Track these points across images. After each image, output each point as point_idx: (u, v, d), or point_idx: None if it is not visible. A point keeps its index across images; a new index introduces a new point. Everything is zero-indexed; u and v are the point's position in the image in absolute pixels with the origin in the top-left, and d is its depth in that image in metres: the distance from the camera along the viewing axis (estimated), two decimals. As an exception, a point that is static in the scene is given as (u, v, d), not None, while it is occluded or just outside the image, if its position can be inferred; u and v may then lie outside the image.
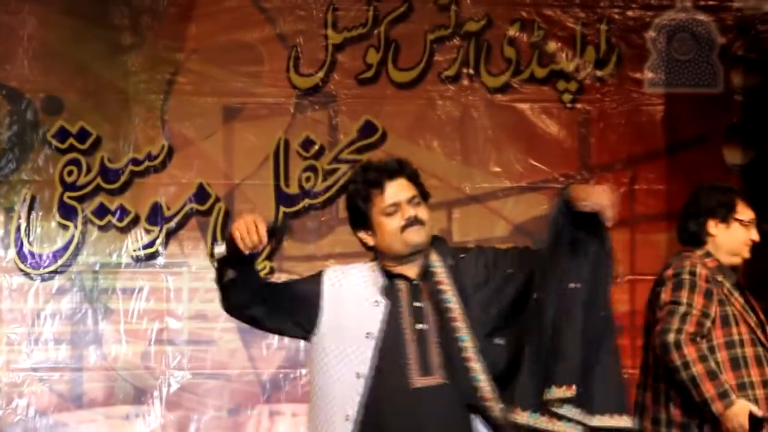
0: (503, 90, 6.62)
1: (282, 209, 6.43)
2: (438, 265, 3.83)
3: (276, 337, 6.32)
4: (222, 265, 3.71)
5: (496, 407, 3.71)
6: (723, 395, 4.59)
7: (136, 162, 6.37)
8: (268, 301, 3.80)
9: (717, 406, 4.59)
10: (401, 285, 3.81)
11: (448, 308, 3.77)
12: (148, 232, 6.35)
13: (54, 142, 6.32)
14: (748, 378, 4.76)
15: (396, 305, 3.79)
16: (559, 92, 6.64)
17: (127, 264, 6.34)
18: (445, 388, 3.73)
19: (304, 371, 6.33)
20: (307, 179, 6.47)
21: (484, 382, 3.72)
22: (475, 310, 3.77)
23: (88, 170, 6.33)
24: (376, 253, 3.87)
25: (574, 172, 6.62)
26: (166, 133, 6.41)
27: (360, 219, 3.85)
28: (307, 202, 6.46)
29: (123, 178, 6.35)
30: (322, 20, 6.52)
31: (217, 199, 6.41)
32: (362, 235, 3.86)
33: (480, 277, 3.81)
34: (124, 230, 6.34)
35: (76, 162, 6.33)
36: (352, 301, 3.81)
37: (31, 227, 6.28)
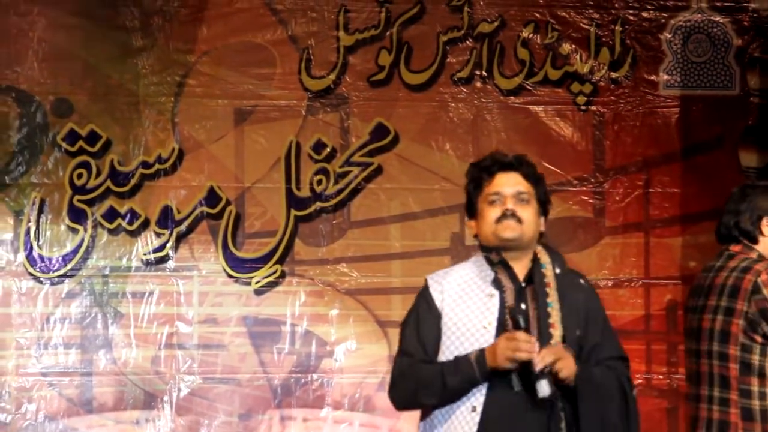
0: (516, 92, 6.58)
1: (293, 212, 6.40)
2: (547, 267, 3.83)
3: (287, 341, 6.30)
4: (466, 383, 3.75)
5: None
6: None
7: (146, 165, 6.34)
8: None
9: None
10: (508, 285, 3.82)
11: (548, 313, 3.77)
12: (158, 235, 6.33)
13: (64, 145, 6.29)
14: None
15: (503, 302, 3.80)
16: (573, 94, 6.61)
17: (137, 268, 6.31)
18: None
19: (315, 376, 6.31)
20: (319, 182, 6.43)
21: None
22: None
23: (98, 173, 6.31)
24: (481, 246, 3.89)
25: (588, 175, 6.58)
26: (177, 135, 6.38)
27: (469, 205, 3.92)
28: (318, 205, 6.42)
29: (133, 182, 6.33)
30: (334, 22, 6.50)
31: (228, 203, 6.38)
32: (470, 224, 3.91)
33: (580, 318, 3.82)
34: (134, 234, 6.32)
35: (86, 165, 6.31)
36: (466, 295, 3.84)
37: (40, 231, 6.25)
